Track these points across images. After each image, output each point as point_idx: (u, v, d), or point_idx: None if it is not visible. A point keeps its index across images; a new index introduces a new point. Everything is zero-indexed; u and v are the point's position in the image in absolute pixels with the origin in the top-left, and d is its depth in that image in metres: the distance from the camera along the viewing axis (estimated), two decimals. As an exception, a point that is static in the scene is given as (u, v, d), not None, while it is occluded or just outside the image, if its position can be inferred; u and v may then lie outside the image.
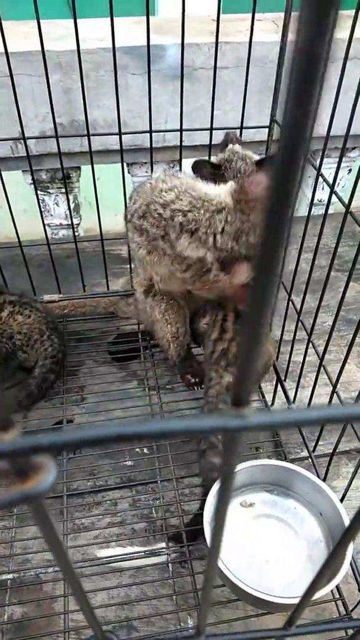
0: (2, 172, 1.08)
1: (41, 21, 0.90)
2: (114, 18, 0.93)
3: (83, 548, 0.81)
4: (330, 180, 0.78)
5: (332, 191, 0.71)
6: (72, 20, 0.91)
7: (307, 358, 0.91)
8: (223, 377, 0.86)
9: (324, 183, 1.47)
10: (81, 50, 0.95)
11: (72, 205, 1.49)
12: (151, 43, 0.98)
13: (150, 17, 0.97)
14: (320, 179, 1.44)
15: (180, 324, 0.95)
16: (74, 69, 1.21)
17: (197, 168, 0.91)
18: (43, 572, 0.79)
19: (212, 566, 0.28)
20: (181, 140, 1.02)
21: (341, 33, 0.68)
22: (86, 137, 1.02)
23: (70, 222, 1.51)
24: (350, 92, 0.69)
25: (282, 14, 0.98)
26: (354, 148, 1.44)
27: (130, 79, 1.21)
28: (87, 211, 1.60)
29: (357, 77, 0.68)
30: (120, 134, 0.99)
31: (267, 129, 1.01)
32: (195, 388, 1.02)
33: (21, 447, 0.16)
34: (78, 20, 0.92)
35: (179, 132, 1.01)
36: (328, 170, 1.44)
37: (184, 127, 0.99)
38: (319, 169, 0.76)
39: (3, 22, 0.91)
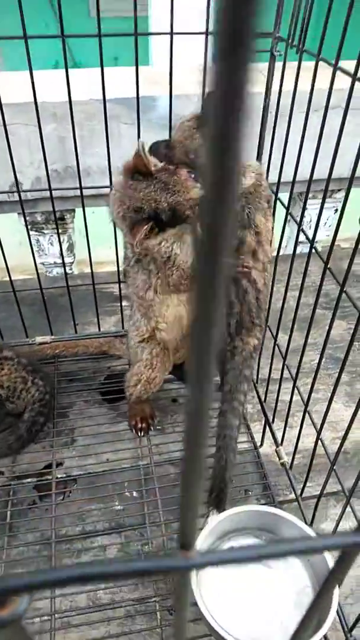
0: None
1: (39, 72, 0.95)
2: (111, 68, 0.98)
3: (71, 596, 0.81)
4: (315, 219, 0.80)
5: (312, 247, 0.75)
6: (69, 71, 0.96)
7: (294, 397, 0.93)
8: (248, 342, 0.87)
9: (311, 222, 1.51)
10: (75, 101, 1.00)
11: (66, 245, 1.52)
12: (143, 94, 1.02)
13: (145, 68, 1.02)
14: (306, 219, 1.48)
15: (159, 373, 0.97)
16: (68, 119, 1.26)
17: (153, 149, 0.86)
18: (30, 623, 0.79)
19: None
20: None
21: (323, 83, 0.72)
22: (79, 184, 1.05)
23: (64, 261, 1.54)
24: (332, 139, 0.71)
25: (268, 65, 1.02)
26: (339, 190, 1.49)
27: (123, 128, 1.26)
28: (81, 243, 1.63)
29: (338, 125, 0.71)
30: (111, 186, 1.03)
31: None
32: (140, 434, 1.02)
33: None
34: (75, 71, 0.97)
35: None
36: (315, 210, 1.49)
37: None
38: (300, 224, 0.79)
39: (2, 74, 0.96)
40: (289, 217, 0.90)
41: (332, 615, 0.68)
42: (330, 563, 0.73)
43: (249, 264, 0.83)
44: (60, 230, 1.45)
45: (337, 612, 0.75)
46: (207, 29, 0.86)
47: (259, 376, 1.15)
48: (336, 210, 1.57)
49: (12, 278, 1.15)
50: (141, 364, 0.97)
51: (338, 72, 0.67)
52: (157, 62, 1.64)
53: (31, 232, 1.47)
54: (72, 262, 1.60)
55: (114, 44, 1.06)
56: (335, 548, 0.19)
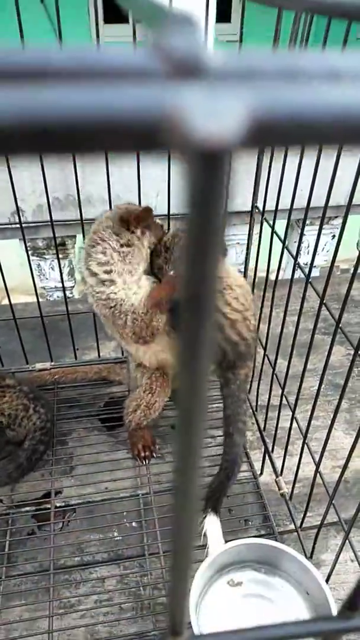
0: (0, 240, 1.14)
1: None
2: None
3: (69, 630, 0.80)
4: (313, 246, 0.81)
5: (308, 282, 0.76)
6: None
7: (294, 424, 0.93)
8: (240, 373, 0.92)
9: (309, 248, 1.53)
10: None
11: (66, 270, 1.54)
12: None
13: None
14: (304, 244, 1.50)
15: (159, 398, 0.97)
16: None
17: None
18: (27, 657, 0.78)
19: None
20: (169, 223, 1.08)
21: None
22: (79, 215, 1.07)
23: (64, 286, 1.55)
24: (329, 168, 0.72)
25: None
26: (336, 217, 1.51)
27: (125, 157, 1.29)
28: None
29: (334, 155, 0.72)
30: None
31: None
32: (144, 462, 1.02)
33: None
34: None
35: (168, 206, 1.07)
36: (313, 236, 1.51)
37: (172, 211, 1.05)
38: (295, 258, 0.81)
39: None
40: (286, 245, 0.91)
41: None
42: (330, 599, 0.72)
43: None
44: (61, 256, 1.47)
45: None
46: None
47: (258, 403, 1.15)
48: (333, 236, 1.59)
49: (14, 300, 1.16)
50: (141, 389, 0.98)
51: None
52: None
53: (32, 257, 1.49)
54: (73, 286, 1.62)
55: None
56: (319, 634, 0.19)
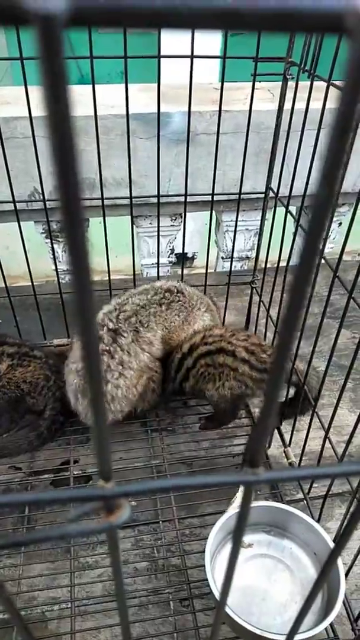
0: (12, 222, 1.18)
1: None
2: (121, 85, 1.03)
3: (88, 586, 0.85)
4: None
5: (321, 257, 0.79)
6: (82, 87, 1.01)
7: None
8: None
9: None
10: (93, 116, 1.06)
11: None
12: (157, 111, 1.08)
13: (153, 84, 1.07)
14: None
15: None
16: (86, 133, 1.31)
17: None
18: (49, 610, 0.82)
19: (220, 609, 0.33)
20: (185, 207, 1.11)
21: (333, 103, 0.77)
22: (97, 197, 1.11)
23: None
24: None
25: (277, 84, 1.07)
26: (343, 204, 1.55)
27: (138, 142, 1.32)
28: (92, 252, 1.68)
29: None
30: (130, 197, 1.08)
31: (263, 195, 1.10)
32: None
33: (118, 493, 0.22)
34: (88, 87, 1.02)
35: (182, 189, 1.11)
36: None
37: (188, 191, 1.08)
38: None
39: (18, 88, 1.02)
40: (298, 229, 0.95)
41: (339, 606, 0.71)
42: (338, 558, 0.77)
43: None
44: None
45: (344, 603, 0.78)
46: (224, 53, 0.91)
47: (267, 381, 1.19)
48: (340, 223, 1.62)
49: (22, 284, 1.20)
50: None
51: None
52: (164, 77, 1.69)
53: (46, 240, 1.53)
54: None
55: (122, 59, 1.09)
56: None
